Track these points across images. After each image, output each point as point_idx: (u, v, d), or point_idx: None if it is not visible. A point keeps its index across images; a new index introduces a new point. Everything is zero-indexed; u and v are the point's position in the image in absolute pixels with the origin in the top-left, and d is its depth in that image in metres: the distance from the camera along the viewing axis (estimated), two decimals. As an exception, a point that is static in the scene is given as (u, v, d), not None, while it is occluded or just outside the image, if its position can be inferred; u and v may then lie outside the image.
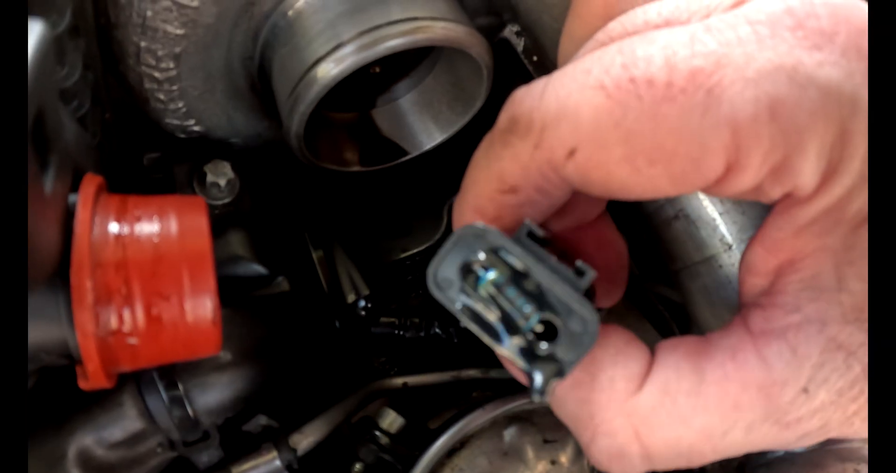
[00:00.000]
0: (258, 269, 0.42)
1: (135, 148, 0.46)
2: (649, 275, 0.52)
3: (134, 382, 0.37)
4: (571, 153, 0.25)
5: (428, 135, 0.47)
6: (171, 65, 0.40)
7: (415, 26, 0.38)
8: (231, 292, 0.41)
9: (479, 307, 0.24)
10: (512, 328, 0.24)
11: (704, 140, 0.23)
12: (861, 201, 0.24)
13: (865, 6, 0.24)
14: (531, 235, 0.26)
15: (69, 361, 0.30)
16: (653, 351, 0.28)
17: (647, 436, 0.26)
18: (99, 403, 0.37)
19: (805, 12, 0.24)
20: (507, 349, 0.24)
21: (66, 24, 0.36)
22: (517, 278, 0.24)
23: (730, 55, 0.23)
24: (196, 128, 0.45)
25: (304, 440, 0.41)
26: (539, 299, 0.24)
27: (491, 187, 0.29)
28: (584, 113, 0.25)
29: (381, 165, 0.46)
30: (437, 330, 0.47)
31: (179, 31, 0.38)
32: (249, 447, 0.40)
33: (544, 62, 0.47)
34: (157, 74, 0.41)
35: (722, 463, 0.48)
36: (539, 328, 0.24)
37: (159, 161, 0.45)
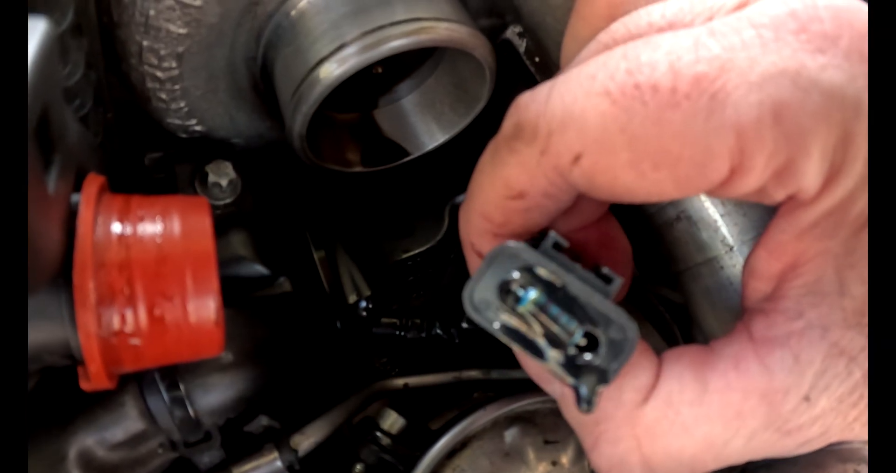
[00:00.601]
0: (260, 269, 0.42)
1: (136, 148, 0.46)
2: (651, 277, 0.52)
3: (135, 382, 0.37)
4: (577, 159, 0.25)
5: (430, 136, 0.47)
6: (174, 64, 0.40)
7: (418, 27, 0.38)
8: (233, 292, 0.41)
9: (519, 326, 0.25)
10: (554, 342, 0.24)
11: (709, 144, 0.24)
12: (863, 204, 0.25)
13: (868, 9, 0.25)
14: (557, 246, 0.26)
15: (71, 361, 0.30)
16: (659, 360, 0.29)
17: (649, 447, 0.27)
18: (100, 403, 0.37)
19: (808, 16, 0.24)
20: (551, 364, 0.24)
21: (69, 22, 0.35)
22: (552, 291, 0.24)
23: (734, 60, 0.23)
24: (198, 128, 0.45)
25: (306, 440, 0.41)
26: (577, 311, 0.24)
27: (498, 193, 0.29)
28: (589, 119, 0.25)
29: (382, 166, 0.46)
30: (439, 331, 0.47)
31: (182, 31, 0.38)
32: (251, 447, 0.40)
33: (547, 63, 0.47)
34: (159, 74, 0.41)
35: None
36: (583, 342, 0.24)
37: (161, 161, 0.45)
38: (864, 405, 0.26)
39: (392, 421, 0.43)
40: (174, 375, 0.36)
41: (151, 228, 0.29)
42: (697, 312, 0.45)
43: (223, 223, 0.42)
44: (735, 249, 0.43)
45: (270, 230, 0.44)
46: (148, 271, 0.28)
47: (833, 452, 0.40)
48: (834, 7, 0.24)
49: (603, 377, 0.24)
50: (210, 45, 0.40)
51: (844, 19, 0.24)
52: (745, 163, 0.24)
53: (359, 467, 0.43)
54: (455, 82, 0.47)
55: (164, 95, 0.42)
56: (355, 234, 0.49)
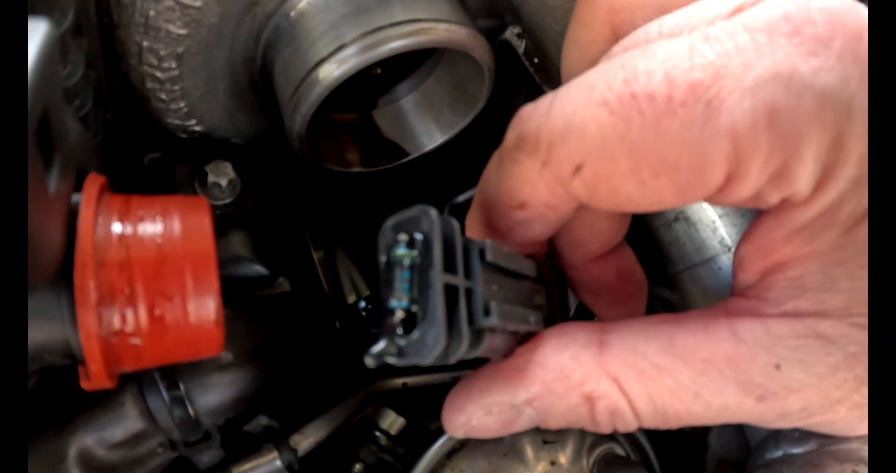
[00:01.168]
0: (259, 269, 0.42)
1: (136, 148, 0.46)
2: (649, 277, 0.52)
3: (135, 382, 0.37)
4: (578, 168, 0.26)
5: (429, 136, 0.47)
6: (173, 65, 0.40)
7: (417, 28, 0.38)
8: (232, 292, 0.41)
9: (385, 267, 0.26)
10: (386, 295, 0.25)
11: (706, 151, 0.24)
12: (853, 204, 0.25)
13: (862, 10, 0.25)
14: (482, 254, 0.27)
15: (71, 361, 0.30)
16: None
17: (629, 388, 0.27)
18: (100, 403, 0.37)
19: (802, 18, 0.24)
20: (386, 309, 0.25)
21: (69, 23, 0.36)
22: (424, 267, 0.25)
23: (728, 66, 0.24)
24: (197, 128, 0.45)
25: (305, 440, 0.41)
26: (420, 296, 0.25)
27: (501, 203, 0.30)
28: (589, 129, 0.25)
29: (382, 166, 0.46)
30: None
31: (182, 31, 0.38)
32: (250, 447, 0.40)
33: (545, 64, 0.47)
34: (158, 74, 0.41)
35: (719, 464, 0.48)
36: (401, 315, 0.25)
37: (160, 161, 0.45)
38: (849, 389, 0.26)
39: (391, 421, 0.43)
40: (174, 374, 0.37)
41: (151, 228, 0.29)
42: (696, 312, 0.45)
43: (222, 223, 0.42)
44: (733, 249, 0.43)
45: (270, 230, 0.44)
46: (148, 270, 0.28)
47: (830, 452, 0.40)
48: (828, 9, 0.24)
49: (396, 352, 0.25)
50: (210, 45, 0.40)
51: (838, 21, 0.24)
52: (742, 168, 0.24)
53: (358, 467, 0.43)
54: (454, 83, 0.47)
55: (163, 96, 0.42)
56: (354, 234, 0.49)
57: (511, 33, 0.48)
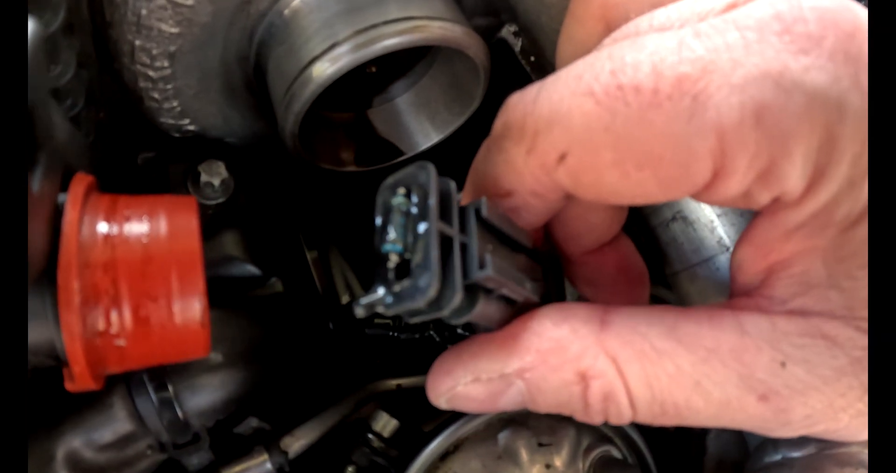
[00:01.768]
0: (252, 269, 0.42)
1: (130, 147, 0.46)
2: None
3: (124, 383, 0.37)
4: (563, 157, 0.26)
5: (424, 135, 0.47)
6: (166, 64, 0.40)
7: (411, 26, 0.38)
8: (224, 292, 0.41)
9: (380, 213, 0.26)
10: (381, 239, 0.25)
11: (691, 145, 0.24)
12: (849, 206, 0.24)
13: (855, 10, 0.24)
14: (477, 211, 0.26)
15: (56, 362, 0.29)
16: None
17: (627, 369, 0.26)
18: (88, 404, 0.37)
19: (793, 17, 0.24)
20: (379, 255, 0.25)
21: (60, 22, 0.35)
22: (421, 217, 0.25)
23: (716, 61, 0.23)
24: (191, 127, 0.45)
25: (296, 442, 0.41)
26: (414, 243, 0.24)
27: (489, 191, 0.29)
28: (574, 118, 0.25)
29: (377, 166, 0.46)
30: (432, 332, 0.47)
31: (174, 30, 0.38)
32: (240, 449, 0.40)
33: (542, 62, 0.46)
34: (151, 73, 0.40)
35: (717, 467, 0.47)
36: (395, 259, 0.24)
37: (154, 161, 0.45)
38: (853, 397, 0.25)
39: (384, 423, 0.43)
40: (163, 376, 0.36)
41: (137, 228, 0.29)
42: (693, 314, 0.44)
43: (215, 223, 0.42)
44: (731, 249, 0.43)
45: (263, 230, 0.44)
46: (133, 271, 0.28)
47: (830, 456, 0.39)
48: (820, 8, 0.24)
49: (386, 302, 0.24)
50: (202, 44, 0.40)
51: (829, 20, 0.23)
52: (728, 165, 0.24)
53: (350, 469, 0.42)
54: (450, 82, 0.46)
55: (156, 95, 0.42)
56: (349, 234, 0.49)
57: (507, 32, 0.47)
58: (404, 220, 0.25)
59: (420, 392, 0.46)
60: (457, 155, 0.47)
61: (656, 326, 0.26)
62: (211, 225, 0.42)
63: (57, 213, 0.28)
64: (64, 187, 0.30)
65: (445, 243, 0.25)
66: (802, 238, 0.26)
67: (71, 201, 0.29)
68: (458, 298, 0.24)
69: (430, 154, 0.47)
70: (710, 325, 0.26)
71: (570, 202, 0.32)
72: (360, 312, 0.24)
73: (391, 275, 0.24)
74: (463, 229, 0.26)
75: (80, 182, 0.30)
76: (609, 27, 0.30)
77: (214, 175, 0.42)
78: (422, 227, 0.24)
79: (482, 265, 0.25)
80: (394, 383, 0.45)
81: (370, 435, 0.42)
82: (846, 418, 0.26)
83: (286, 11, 0.40)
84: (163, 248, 0.29)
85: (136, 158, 0.45)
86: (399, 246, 0.24)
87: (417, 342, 0.47)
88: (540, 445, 0.43)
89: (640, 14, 0.28)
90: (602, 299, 0.37)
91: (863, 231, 0.25)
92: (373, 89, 0.47)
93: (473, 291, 0.26)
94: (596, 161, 0.25)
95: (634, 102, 0.24)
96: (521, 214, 0.30)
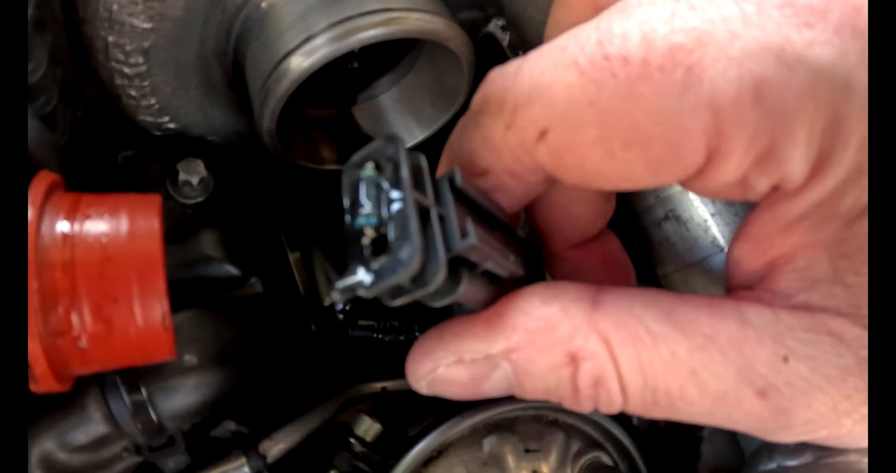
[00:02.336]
0: (230, 270, 0.41)
1: (110, 146, 0.45)
2: (638, 279, 0.50)
3: (97, 385, 0.36)
4: (543, 134, 0.24)
5: (409, 133, 0.46)
6: (140, 60, 0.39)
7: (388, 17, 0.36)
8: (201, 293, 0.40)
9: (349, 191, 0.24)
10: (353, 214, 0.23)
11: (683, 122, 0.22)
12: (855, 195, 0.23)
13: None
14: (451, 181, 0.25)
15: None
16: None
17: (619, 352, 0.24)
18: (62, 406, 0.36)
19: None
20: (352, 231, 0.23)
21: (30, 17, 0.35)
22: (394, 187, 0.23)
23: (712, 33, 0.22)
24: (171, 125, 0.44)
25: (275, 446, 0.40)
26: (390, 216, 0.23)
27: (463, 170, 0.27)
28: (556, 91, 0.23)
29: (360, 164, 0.45)
30: (418, 334, 0.46)
31: (146, 25, 0.37)
32: (218, 453, 0.39)
33: (530, 57, 0.45)
34: (126, 70, 0.40)
35: (712, 467, 0.46)
36: (370, 233, 0.23)
37: (134, 159, 0.44)
38: (859, 400, 0.24)
39: (367, 427, 0.42)
40: (136, 378, 0.36)
41: (97, 227, 0.28)
42: (686, 315, 0.43)
43: (193, 222, 0.41)
44: (726, 249, 0.41)
45: (243, 230, 0.43)
46: (92, 271, 0.27)
47: (828, 465, 0.38)
48: None
49: (366, 283, 0.22)
50: (177, 39, 0.39)
51: None
52: (723, 146, 0.22)
53: (331, 474, 0.41)
54: (435, 77, 0.45)
55: (133, 92, 0.41)
56: (332, 234, 0.48)
57: (495, 26, 0.46)
58: (376, 191, 0.23)
59: (404, 396, 0.45)
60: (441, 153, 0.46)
61: (652, 308, 0.25)
62: (189, 224, 0.41)
63: (17, 212, 0.27)
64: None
65: (422, 215, 0.23)
66: (804, 232, 0.24)
67: (31, 199, 0.28)
68: (442, 271, 0.22)
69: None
70: (709, 312, 0.24)
71: (552, 189, 0.30)
72: (336, 296, 0.22)
73: (367, 252, 0.22)
74: (438, 200, 0.24)
75: (42, 181, 0.29)
76: (598, 10, 0.29)
77: (193, 174, 0.42)
78: (395, 196, 0.22)
79: (464, 235, 0.23)
80: (378, 385, 0.44)
81: (352, 440, 0.41)
82: (850, 423, 0.24)
83: (263, 5, 0.39)
84: (123, 248, 0.28)
85: (117, 156, 0.45)
86: (374, 219, 0.23)
87: (402, 343, 0.46)
88: (527, 451, 0.42)
89: None
90: None
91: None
92: (356, 86, 0.46)
93: (456, 269, 0.24)
94: (579, 138, 0.23)
95: (622, 74, 0.22)
96: (496, 196, 0.28)
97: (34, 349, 0.27)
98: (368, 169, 0.24)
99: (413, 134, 0.45)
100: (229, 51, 0.41)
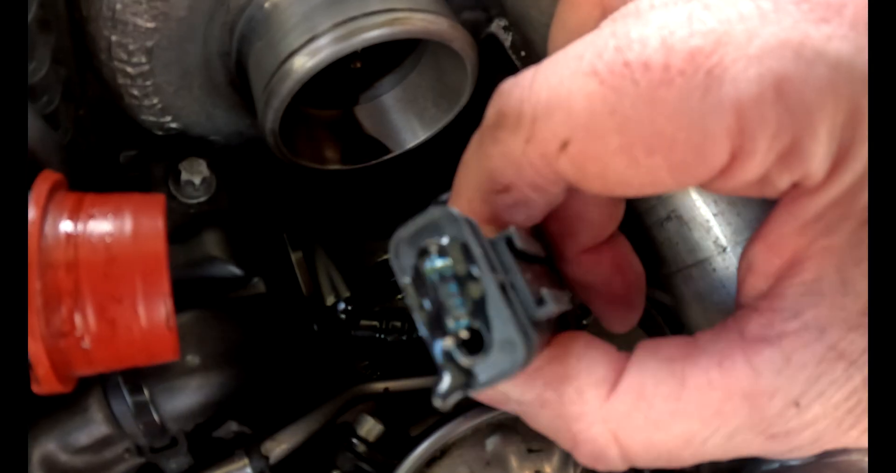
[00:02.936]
0: (233, 270, 0.41)
1: (113, 145, 0.45)
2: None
3: (100, 385, 0.36)
4: (565, 145, 0.24)
5: (412, 133, 0.45)
6: (143, 59, 0.39)
7: (392, 18, 0.36)
8: (205, 293, 0.40)
9: (417, 290, 0.23)
10: (438, 320, 0.22)
11: (706, 124, 0.22)
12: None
13: None
14: (510, 243, 0.24)
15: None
16: (633, 350, 0.27)
17: (625, 439, 0.25)
18: (64, 407, 0.36)
19: None
20: (430, 341, 0.22)
21: (33, 16, 0.35)
22: (469, 278, 0.22)
23: (730, 32, 0.22)
24: (174, 125, 0.44)
25: (278, 447, 0.40)
26: (479, 307, 0.22)
27: (483, 187, 0.27)
28: (576, 101, 0.23)
29: (363, 164, 0.45)
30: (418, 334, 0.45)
31: (150, 25, 0.37)
32: (220, 454, 0.39)
33: (532, 57, 0.45)
34: (129, 69, 0.40)
35: (713, 467, 0.46)
36: (465, 335, 0.22)
37: (136, 159, 0.44)
38: (861, 411, 0.24)
39: (369, 428, 0.42)
40: (138, 379, 0.35)
41: (101, 227, 0.28)
42: (689, 315, 0.43)
43: (196, 222, 0.41)
44: (728, 250, 0.41)
45: (246, 230, 0.43)
46: (96, 272, 0.27)
47: (830, 464, 0.38)
48: None
49: (469, 383, 0.22)
50: (180, 39, 0.39)
51: None
52: (747, 145, 0.22)
53: (334, 474, 0.41)
54: (437, 77, 0.45)
55: (136, 92, 0.41)
56: (335, 234, 0.48)
57: (497, 26, 0.46)
58: (456, 287, 0.22)
59: (407, 396, 0.45)
60: (445, 153, 0.46)
61: (664, 384, 0.25)
62: (192, 224, 0.41)
63: (20, 212, 0.27)
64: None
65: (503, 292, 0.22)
66: (819, 233, 0.24)
67: (34, 199, 0.28)
68: (535, 345, 0.22)
69: (417, 152, 0.46)
70: (720, 372, 0.25)
71: (568, 196, 0.30)
72: (441, 404, 0.22)
73: (459, 353, 0.22)
74: (503, 267, 0.23)
75: (45, 180, 0.29)
76: (605, 12, 0.29)
77: (195, 173, 0.42)
78: (478, 285, 0.22)
79: (541, 302, 0.23)
80: (381, 386, 0.44)
81: (355, 440, 0.41)
82: (855, 433, 0.24)
83: (266, 5, 0.39)
84: (127, 249, 0.28)
85: (119, 156, 0.45)
86: (465, 321, 0.22)
87: (405, 344, 0.46)
88: (530, 451, 0.42)
89: None
90: (598, 302, 0.35)
91: None
92: (359, 86, 0.46)
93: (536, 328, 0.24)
94: (602, 148, 0.23)
95: (643, 80, 0.22)
96: (518, 211, 0.28)
97: (37, 349, 0.27)
98: (435, 259, 0.22)
99: (416, 134, 0.45)
100: (232, 51, 0.41)
